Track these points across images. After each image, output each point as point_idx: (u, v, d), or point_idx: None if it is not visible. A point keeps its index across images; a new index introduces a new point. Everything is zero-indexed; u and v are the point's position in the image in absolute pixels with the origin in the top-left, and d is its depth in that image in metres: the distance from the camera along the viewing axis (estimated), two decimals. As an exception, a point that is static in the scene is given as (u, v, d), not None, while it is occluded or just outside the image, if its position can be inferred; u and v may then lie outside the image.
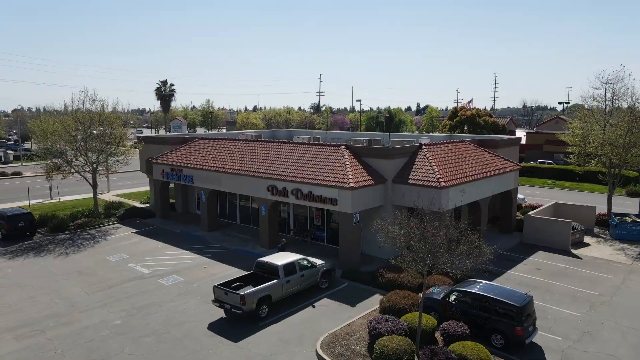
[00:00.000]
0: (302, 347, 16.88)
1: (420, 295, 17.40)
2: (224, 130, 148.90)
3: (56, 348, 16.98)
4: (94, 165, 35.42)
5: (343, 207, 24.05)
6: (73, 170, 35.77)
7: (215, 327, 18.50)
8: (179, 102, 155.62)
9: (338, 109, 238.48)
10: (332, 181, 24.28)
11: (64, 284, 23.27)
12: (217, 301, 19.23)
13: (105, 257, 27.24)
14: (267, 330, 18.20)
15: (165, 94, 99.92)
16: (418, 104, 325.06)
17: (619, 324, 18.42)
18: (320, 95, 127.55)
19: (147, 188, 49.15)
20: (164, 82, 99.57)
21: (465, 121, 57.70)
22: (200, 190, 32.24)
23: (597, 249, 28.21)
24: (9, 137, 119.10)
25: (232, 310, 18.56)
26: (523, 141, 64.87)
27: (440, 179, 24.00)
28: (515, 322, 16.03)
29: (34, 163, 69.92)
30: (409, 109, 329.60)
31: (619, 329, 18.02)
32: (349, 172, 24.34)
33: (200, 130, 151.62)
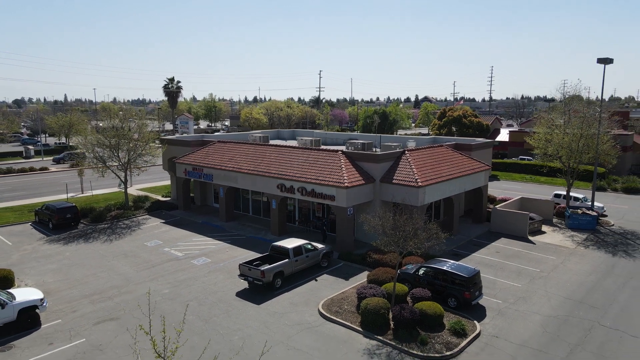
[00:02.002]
0: (307, 307, 22.66)
1: (398, 270, 23.08)
2: (227, 123, 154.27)
3: (124, 309, 22.73)
4: (126, 164, 40.91)
5: (339, 202, 29.72)
6: (107, 168, 41.14)
7: (241, 294, 24.27)
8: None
9: (337, 100, 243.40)
10: (331, 181, 29.91)
11: (115, 263, 29.00)
12: (242, 275, 24.96)
13: (143, 242, 32.95)
14: (281, 296, 23.98)
15: (172, 90, 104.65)
16: (417, 96, 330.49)
17: (548, 292, 24.22)
18: (320, 91, 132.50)
19: (165, 182, 54.85)
20: (171, 80, 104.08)
21: (452, 121, 63.26)
22: (218, 186, 37.87)
23: (551, 236, 33.94)
24: (22, 131, 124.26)
25: (254, 282, 24.32)
26: (506, 139, 70.45)
27: (418, 180, 29.62)
28: (464, 289, 21.79)
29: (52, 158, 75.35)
30: (408, 99, 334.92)
31: (547, 295, 23.82)
32: (345, 174, 29.98)
33: (203, 124, 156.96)
